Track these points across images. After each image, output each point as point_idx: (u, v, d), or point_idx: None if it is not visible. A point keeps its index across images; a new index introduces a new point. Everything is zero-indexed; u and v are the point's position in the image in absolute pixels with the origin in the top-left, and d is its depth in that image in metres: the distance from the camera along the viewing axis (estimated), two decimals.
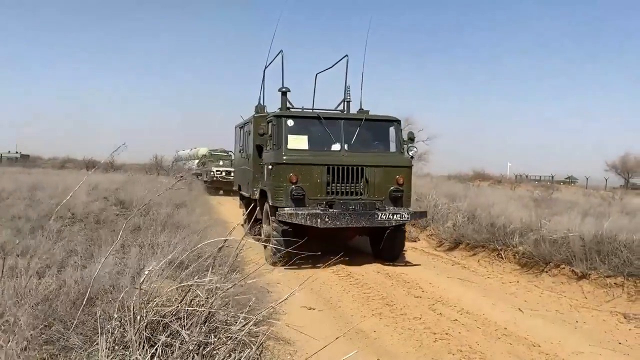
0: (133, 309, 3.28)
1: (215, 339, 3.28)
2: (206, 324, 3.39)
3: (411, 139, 9.96)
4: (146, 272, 3.47)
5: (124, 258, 5.58)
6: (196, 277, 3.76)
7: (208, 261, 4.16)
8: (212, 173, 28.90)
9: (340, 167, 8.97)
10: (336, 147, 9.36)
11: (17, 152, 39.70)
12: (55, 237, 6.48)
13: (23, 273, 4.51)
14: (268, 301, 4.46)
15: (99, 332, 3.22)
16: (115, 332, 3.28)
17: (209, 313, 3.45)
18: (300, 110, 10.61)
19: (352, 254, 9.72)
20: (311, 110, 10.45)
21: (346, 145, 9.37)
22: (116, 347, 3.20)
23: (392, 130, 9.91)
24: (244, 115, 12.47)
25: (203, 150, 33.57)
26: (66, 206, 8.76)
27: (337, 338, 3.95)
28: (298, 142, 9.22)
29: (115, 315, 3.36)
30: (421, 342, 5.43)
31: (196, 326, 3.31)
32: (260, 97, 11.58)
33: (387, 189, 9.23)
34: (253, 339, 3.46)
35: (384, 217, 8.78)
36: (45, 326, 3.65)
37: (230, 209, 17.24)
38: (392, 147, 9.87)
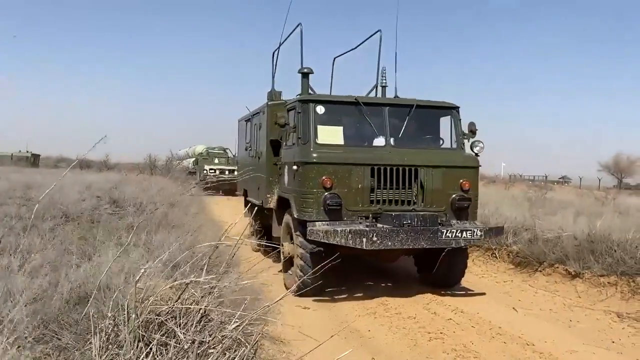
0: (127, 308, 3.26)
1: (210, 338, 3.27)
2: (201, 322, 3.38)
3: (472, 131, 7.71)
4: (141, 271, 3.46)
5: (118, 257, 5.55)
6: (191, 276, 3.74)
7: (203, 260, 4.15)
8: (204, 172, 27.60)
9: (388, 168, 6.92)
10: (379, 141, 7.32)
11: (27, 152, 39.03)
12: (48, 235, 6.43)
13: (16, 272, 4.48)
14: (263, 300, 4.45)
15: (93, 331, 3.20)
16: (109, 331, 3.26)
17: (204, 312, 3.43)
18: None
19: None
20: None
21: (392, 140, 7.31)
22: (110, 347, 3.18)
23: (448, 120, 7.83)
24: (250, 106, 10.62)
25: (199, 148, 31.46)
26: (59, 205, 8.71)
27: (332, 336, 3.95)
28: (330, 134, 7.20)
29: (109, 314, 3.34)
30: (416, 341, 5.44)
31: (191, 325, 3.30)
32: (272, 82, 9.55)
33: (449, 196, 7.14)
34: (248, 338, 3.45)
35: (450, 234, 6.64)
36: (39, 325, 3.63)
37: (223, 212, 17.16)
38: (448, 142, 7.82)
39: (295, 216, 7.03)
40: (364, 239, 6.30)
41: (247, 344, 3.35)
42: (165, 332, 3.27)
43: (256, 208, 8.57)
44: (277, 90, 9.23)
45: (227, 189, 26.87)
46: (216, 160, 28.81)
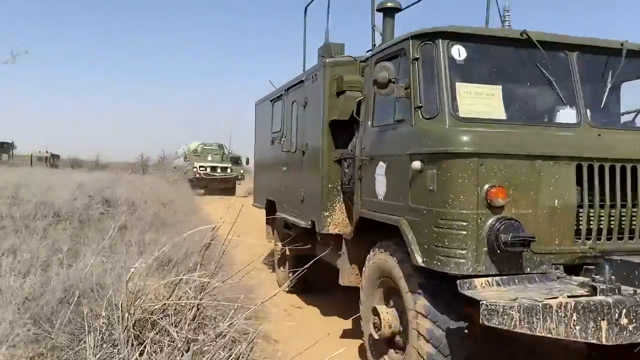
0: (121, 306, 3.25)
1: (205, 336, 3.27)
2: (195, 320, 3.38)
3: None
4: (131, 270, 3.45)
5: (110, 256, 5.54)
6: (183, 273, 3.74)
7: (195, 258, 4.15)
8: (194, 169, 26.11)
9: (606, 166, 3.55)
10: (567, 115, 3.92)
11: (47, 152, 38.66)
12: (40, 235, 6.41)
13: (8, 272, 4.46)
14: (256, 299, 4.45)
15: (87, 330, 3.19)
16: (103, 330, 3.26)
17: (197, 309, 3.43)
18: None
19: None
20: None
21: (589, 112, 3.96)
22: (104, 346, 3.17)
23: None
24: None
25: (194, 145, 29.64)
26: (50, 205, 8.66)
27: (328, 334, 3.96)
28: (481, 101, 3.79)
29: (103, 314, 3.33)
30: None
31: (185, 323, 3.30)
32: (305, 41, 6.78)
33: None
34: (243, 336, 3.46)
35: None
36: (32, 325, 3.62)
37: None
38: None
39: (418, 261, 3.56)
40: (604, 325, 2.92)
41: (242, 343, 3.36)
42: (159, 331, 3.27)
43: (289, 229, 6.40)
44: (338, 43, 6.07)
45: (220, 187, 26.35)
46: (209, 158, 27.35)
